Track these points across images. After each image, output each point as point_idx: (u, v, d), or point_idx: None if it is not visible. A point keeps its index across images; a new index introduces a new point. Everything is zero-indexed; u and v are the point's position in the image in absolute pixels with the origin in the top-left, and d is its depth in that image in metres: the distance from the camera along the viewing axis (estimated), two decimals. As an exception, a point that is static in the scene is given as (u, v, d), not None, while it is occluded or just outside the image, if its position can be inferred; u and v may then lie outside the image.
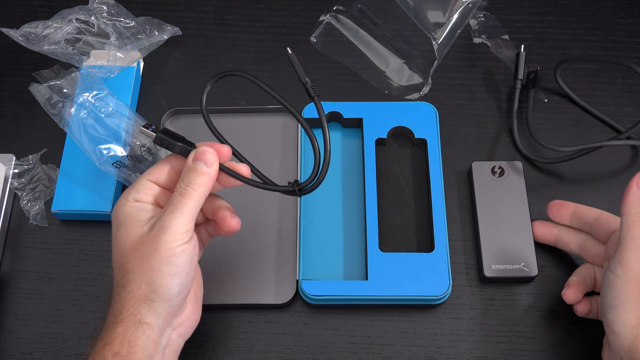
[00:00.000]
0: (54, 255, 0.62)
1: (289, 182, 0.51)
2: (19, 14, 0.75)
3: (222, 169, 0.50)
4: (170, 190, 0.50)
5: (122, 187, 0.64)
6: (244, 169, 0.51)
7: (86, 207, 0.61)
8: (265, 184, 0.51)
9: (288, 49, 0.50)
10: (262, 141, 0.67)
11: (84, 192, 0.62)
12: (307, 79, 0.50)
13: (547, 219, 0.63)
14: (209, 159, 0.49)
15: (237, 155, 0.52)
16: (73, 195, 0.62)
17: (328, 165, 0.52)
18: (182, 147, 0.50)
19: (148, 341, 0.46)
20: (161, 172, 0.50)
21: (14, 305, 0.60)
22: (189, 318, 0.51)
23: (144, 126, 0.52)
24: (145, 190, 0.50)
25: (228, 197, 0.63)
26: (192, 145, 0.50)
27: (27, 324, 0.59)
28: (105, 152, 0.61)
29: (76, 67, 0.66)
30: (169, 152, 0.60)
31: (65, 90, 0.63)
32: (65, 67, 0.66)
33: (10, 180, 0.64)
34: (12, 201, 0.64)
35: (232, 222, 0.51)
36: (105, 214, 0.61)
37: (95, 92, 0.63)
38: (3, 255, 0.62)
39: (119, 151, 0.62)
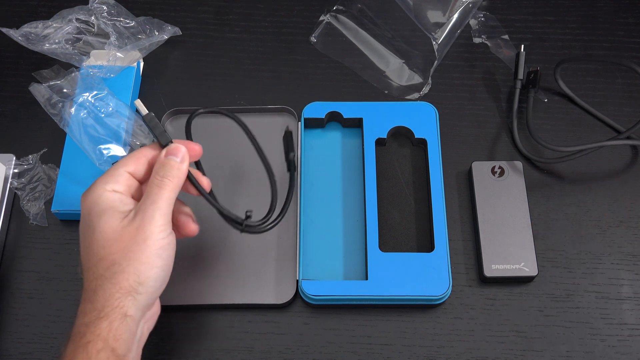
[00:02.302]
0: (54, 255, 0.62)
1: (247, 213, 0.53)
2: (18, 14, 0.75)
3: (189, 176, 0.51)
4: (141, 184, 0.51)
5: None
6: (205, 181, 0.52)
7: (86, 207, 0.61)
8: (218, 203, 0.53)
9: (288, 126, 0.56)
10: (262, 141, 0.66)
11: (84, 192, 0.62)
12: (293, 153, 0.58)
13: (547, 218, 0.63)
14: (181, 155, 0.50)
15: (200, 167, 0.55)
16: (73, 195, 0.62)
17: (285, 209, 0.55)
18: (162, 132, 0.51)
19: (130, 335, 0.46)
20: (138, 163, 0.51)
21: (14, 305, 0.60)
22: (156, 312, 0.51)
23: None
24: (124, 182, 0.50)
25: (228, 198, 0.63)
26: (169, 140, 0.52)
27: (27, 324, 0.59)
28: (105, 152, 0.61)
29: (76, 67, 0.66)
30: (139, 107, 0.58)
31: (65, 90, 0.63)
32: (65, 67, 0.66)
33: (10, 180, 0.64)
34: (12, 201, 0.64)
35: (193, 227, 0.52)
36: (105, 214, 0.61)
37: (95, 92, 0.63)
38: (3, 255, 0.62)
39: (119, 151, 0.62)
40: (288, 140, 0.59)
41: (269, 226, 0.54)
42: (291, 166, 0.59)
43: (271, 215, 0.55)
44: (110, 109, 0.63)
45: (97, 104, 0.63)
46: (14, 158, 0.65)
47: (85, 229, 0.49)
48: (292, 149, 0.59)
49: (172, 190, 0.48)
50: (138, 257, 0.46)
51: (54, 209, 0.61)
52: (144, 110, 0.52)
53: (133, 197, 0.50)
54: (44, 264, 0.61)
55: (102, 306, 0.45)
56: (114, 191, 0.49)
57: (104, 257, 0.47)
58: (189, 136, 0.55)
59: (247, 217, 0.53)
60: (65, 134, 0.65)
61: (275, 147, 0.66)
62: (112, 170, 0.50)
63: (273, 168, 0.65)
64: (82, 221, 0.49)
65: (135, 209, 0.48)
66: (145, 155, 0.51)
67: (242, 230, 0.53)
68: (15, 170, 0.64)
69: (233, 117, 0.57)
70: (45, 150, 0.66)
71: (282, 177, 0.64)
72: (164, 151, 0.50)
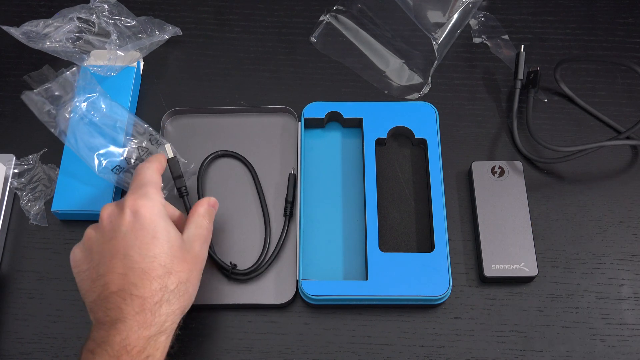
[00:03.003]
0: (54, 255, 0.62)
1: (231, 263, 0.59)
2: (19, 13, 0.75)
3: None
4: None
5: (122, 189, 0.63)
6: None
7: (86, 207, 0.61)
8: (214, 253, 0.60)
9: (294, 168, 0.65)
10: (262, 141, 0.67)
11: (84, 192, 0.62)
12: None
13: (547, 218, 0.63)
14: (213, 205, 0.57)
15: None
16: (73, 195, 0.62)
17: (269, 261, 0.60)
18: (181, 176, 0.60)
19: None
20: (159, 174, 0.55)
21: (14, 305, 0.60)
22: None
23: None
24: (161, 193, 0.53)
25: (227, 199, 0.63)
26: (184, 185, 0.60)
27: (27, 324, 0.59)
28: (103, 159, 0.61)
29: (77, 65, 0.65)
30: (167, 149, 0.60)
31: (57, 94, 0.62)
32: (56, 67, 0.65)
33: (10, 180, 0.64)
34: (12, 201, 0.64)
35: None
36: (105, 214, 0.61)
37: (89, 96, 0.62)
38: (3, 255, 0.62)
39: (118, 156, 0.62)
40: (290, 182, 0.63)
41: (254, 275, 0.60)
42: (287, 210, 0.62)
43: (259, 264, 0.60)
44: (104, 110, 0.62)
45: (90, 108, 0.62)
46: (14, 158, 0.65)
47: (150, 238, 0.49)
48: (291, 195, 0.62)
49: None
50: (195, 283, 0.51)
51: (54, 209, 0.61)
52: (170, 154, 0.60)
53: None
54: (44, 264, 0.61)
55: (164, 321, 0.47)
56: (162, 205, 0.52)
57: (173, 272, 0.48)
58: (199, 182, 0.63)
59: (235, 266, 0.59)
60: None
61: (275, 147, 0.66)
62: (154, 184, 0.53)
63: (273, 168, 0.65)
64: (142, 228, 0.49)
65: (190, 236, 0.52)
66: (160, 169, 0.56)
67: (229, 279, 0.59)
68: (15, 170, 0.64)
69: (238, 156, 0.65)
70: (45, 150, 0.66)
71: (282, 175, 0.64)
72: (209, 200, 0.56)
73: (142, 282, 0.47)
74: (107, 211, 0.51)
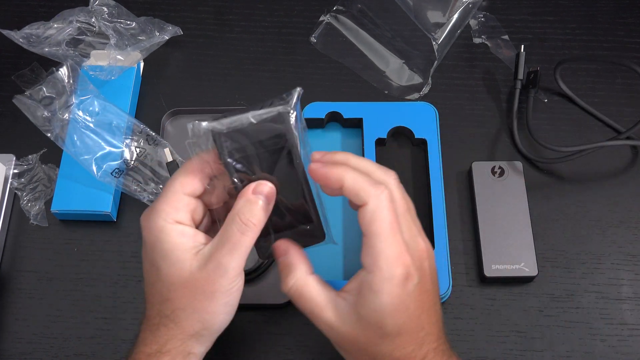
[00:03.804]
0: (54, 255, 0.62)
1: None
2: (19, 14, 0.75)
3: None
4: (197, 198, 0.46)
5: (122, 188, 0.64)
6: None
7: (86, 207, 0.61)
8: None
9: None
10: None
11: (83, 192, 0.62)
12: None
13: (547, 218, 0.63)
14: (270, 196, 0.44)
15: None
16: (73, 195, 0.62)
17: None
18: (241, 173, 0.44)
19: None
20: (195, 180, 0.45)
21: (14, 305, 0.60)
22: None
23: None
24: (185, 208, 0.45)
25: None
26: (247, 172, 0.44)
27: (27, 324, 0.59)
28: (102, 164, 0.61)
29: (66, 63, 0.65)
30: (166, 153, 0.60)
31: (49, 95, 0.61)
32: (46, 67, 0.64)
33: (10, 180, 0.64)
34: (12, 201, 0.64)
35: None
36: (105, 214, 0.61)
37: (83, 98, 0.62)
38: (3, 255, 0.62)
39: (116, 158, 0.61)
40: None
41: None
42: None
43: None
44: (99, 111, 0.62)
45: (86, 110, 0.62)
46: (14, 158, 0.65)
47: (149, 266, 0.45)
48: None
49: (254, 237, 0.44)
50: (205, 307, 0.44)
51: (53, 209, 0.61)
52: (169, 157, 0.58)
53: (194, 220, 0.46)
54: (44, 264, 0.61)
55: (165, 342, 0.45)
56: (177, 223, 0.44)
57: (169, 299, 0.44)
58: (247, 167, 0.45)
59: None
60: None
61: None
62: (169, 194, 0.45)
63: None
64: (145, 254, 0.46)
65: (207, 252, 0.44)
66: (201, 168, 0.45)
67: None
68: (15, 171, 0.64)
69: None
70: (45, 150, 0.66)
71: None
72: (251, 186, 0.43)
73: (148, 303, 0.47)
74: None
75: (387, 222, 0.42)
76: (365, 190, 0.43)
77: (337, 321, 0.44)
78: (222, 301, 0.45)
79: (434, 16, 0.67)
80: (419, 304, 0.43)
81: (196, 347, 0.46)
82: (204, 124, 0.42)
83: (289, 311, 0.59)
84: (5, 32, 0.66)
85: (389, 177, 0.45)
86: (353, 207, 0.45)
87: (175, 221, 0.44)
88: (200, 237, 0.45)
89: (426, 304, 0.44)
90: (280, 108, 0.42)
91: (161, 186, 0.62)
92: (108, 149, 0.62)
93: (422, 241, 0.45)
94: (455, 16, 0.67)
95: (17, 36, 0.66)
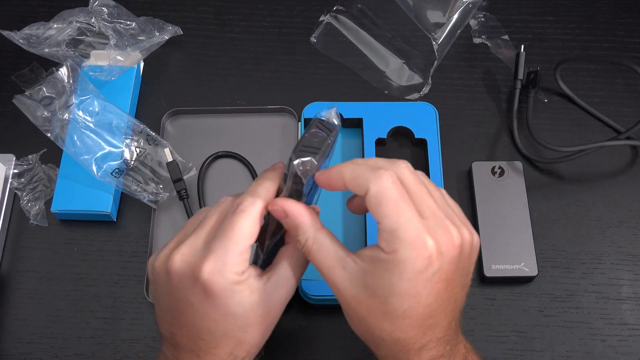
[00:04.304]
0: (54, 255, 0.62)
1: None
2: (19, 14, 0.75)
3: None
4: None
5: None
6: None
7: (86, 207, 0.61)
8: None
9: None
10: (262, 141, 0.67)
11: (83, 192, 0.62)
12: None
13: (547, 218, 0.63)
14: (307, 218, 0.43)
15: None
16: (73, 195, 0.62)
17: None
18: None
19: None
20: (257, 224, 0.42)
21: (14, 305, 0.60)
22: None
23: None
24: (246, 256, 0.42)
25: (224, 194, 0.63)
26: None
27: (27, 324, 0.59)
28: (102, 164, 0.61)
29: (66, 63, 0.65)
30: (166, 153, 0.60)
31: (49, 95, 0.61)
32: (46, 67, 0.64)
33: (10, 180, 0.64)
34: (12, 201, 0.64)
35: None
36: (105, 214, 0.61)
37: (83, 99, 0.62)
38: (3, 255, 0.62)
39: (116, 158, 0.61)
40: None
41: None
42: None
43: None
44: (99, 111, 0.62)
45: (85, 110, 0.62)
46: (14, 158, 0.65)
47: (219, 315, 0.41)
48: None
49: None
50: (269, 333, 0.45)
51: (53, 209, 0.61)
52: (169, 157, 0.58)
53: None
54: (44, 264, 0.61)
55: None
56: (235, 274, 0.41)
57: (245, 341, 0.43)
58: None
59: None
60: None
61: (275, 147, 0.66)
62: (232, 246, 0.41)
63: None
64: (213, 304, 0.41)
65: (273, 285, 0.43)
66: (262, 210, 0.42)
67: None
68: (15, 170, 0.64)
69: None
70: (45, 150, 0.66)
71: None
72: (303, 215, 0.42)
73: (209, 356, 0.43)
74: (177, 266, 0.42)
75: (394, 202, 0.39)
76: (363, 176, 0.40)
77: (344, 282, 0.41)
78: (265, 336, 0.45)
79: (434, 16, 0.67)
80: (434, 291, 0.40)
81: None
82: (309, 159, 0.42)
83: (289, 311, 0.59)
84: (5, 32, 0.66)
85: (396, 164, 0.42)
86: (361, 209, 0.44)
87: (235, 273, 0.41)
88: (257, 279, 0.43)
89: (444, 294, 0.41)
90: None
91: (161, 186, 0.62)
92: (108, 149, 0.62)
93: (454, 228, 0.41)
94: (455, 16, 0.67)
95: (17, 37, 0.66)
